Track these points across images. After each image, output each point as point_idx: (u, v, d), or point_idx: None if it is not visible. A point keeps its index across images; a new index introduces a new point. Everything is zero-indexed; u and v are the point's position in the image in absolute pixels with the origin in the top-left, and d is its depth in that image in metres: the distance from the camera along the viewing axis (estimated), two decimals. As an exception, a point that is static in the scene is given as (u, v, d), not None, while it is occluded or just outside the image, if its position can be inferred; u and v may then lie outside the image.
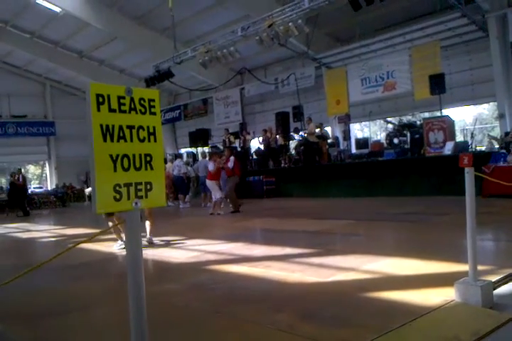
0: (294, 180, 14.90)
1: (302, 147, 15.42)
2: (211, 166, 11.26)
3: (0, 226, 12.83)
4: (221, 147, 19.11)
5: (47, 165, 28.30)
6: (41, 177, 39.11)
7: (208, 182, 11.50)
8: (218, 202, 11.25)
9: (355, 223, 7.87)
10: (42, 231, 10.16)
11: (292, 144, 17.73)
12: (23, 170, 18.21)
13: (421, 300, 3.24)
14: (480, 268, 3.25)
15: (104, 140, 1.60)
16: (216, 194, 11.32)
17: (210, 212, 11.15)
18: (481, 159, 10.04)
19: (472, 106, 17.61)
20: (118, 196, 1.63)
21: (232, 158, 11.28)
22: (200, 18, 17.14)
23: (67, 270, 5.48)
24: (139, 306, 1.66)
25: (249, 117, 21.67)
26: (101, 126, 1.59)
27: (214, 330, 3.11)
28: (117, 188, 1.63)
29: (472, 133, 13.02)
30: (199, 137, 19.73)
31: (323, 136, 16.04)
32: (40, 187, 29.40)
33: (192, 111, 24.37)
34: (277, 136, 16.75)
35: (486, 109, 27.11)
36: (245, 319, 3.23)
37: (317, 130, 15.84)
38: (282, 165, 16.36)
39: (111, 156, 1.62)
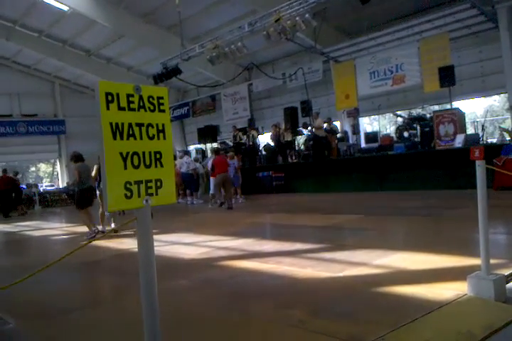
0: (304, 175, 14.88)
1: (311, 142, 15.38)
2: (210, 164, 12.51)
3: (11, 224, 12.98)
4: (230, 143, 19.12)
5: (58, 163, 28.51)
6: (52, 175, 39.49)
7: (211, 179, 12.59)
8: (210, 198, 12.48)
9: (366, 217, 7.85)
10: (54, 229, 10.27)
11: (301, 139, 17.68)
12: (33, 168, 18.11)
13: (433, 294, 3.23)
14: (492, 261, 3.23)
15: (114, 138, 1.61)
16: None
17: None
18: (492, 151, 9.94)
19: (482, 98, 17.45)
20: (129, 193, 1.64)
21: (211, 159, 12.36)
22: (207, 14, 17.09)
23: (80, 267, 5.54)
24: (152, 302, 1.67)
25: (257, 113, 21.63)
26: (110, 124, 1.60)
27: (225, 326, 3.12)
28: (128, 186, 1.64)
29: (483, 126, 12.89)
30: (208, 133, 19.76)
31: (332, 131, 15.98)
32: (52, 186, 29.69)
33: (200, 107, 24.38)
34: (284, 132, 16.70)
35: (496, 101, 26.87)
36: (256, 314, 3.25)
37: (325, 125, 15.79)
38: (290, 160, 16.34)
39: (121, 154, 1.63)
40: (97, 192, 8.51)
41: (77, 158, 8.32)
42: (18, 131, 25.02)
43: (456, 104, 13.81)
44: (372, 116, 19.82)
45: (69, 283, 5.01)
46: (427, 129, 12.59)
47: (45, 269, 2.25)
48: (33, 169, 41.47)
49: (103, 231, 8.27)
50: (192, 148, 24.65)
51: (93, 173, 8.42)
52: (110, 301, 3.98)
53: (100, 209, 8.44)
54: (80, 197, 8.32)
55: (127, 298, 3.81)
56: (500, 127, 15.17)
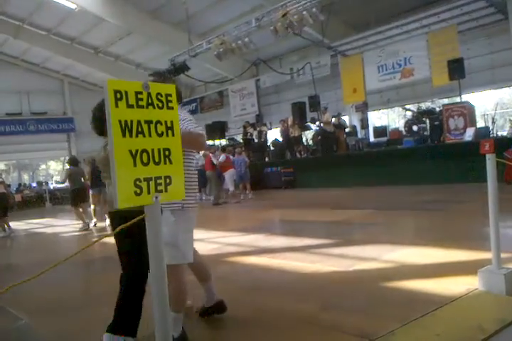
0: (312, 171, 14.84)
1: (319, 137, 15.34)
2: (221, 158, 12.97)
3: (23, 222, 13.12)
4: (238, 139, 19.10)
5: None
6: (62, 173, 39.75)
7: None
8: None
9: (375, 212, 7.82)
10: (65, 226, 10.37)
11: (309, 134, 17.63)
12: (43, 166, 18.18)
13: (443, 289, 3.22)
14: (503, 255, 3.21)
15: (123, 135, 1.62)
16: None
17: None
18: (502, 145, 9.83)
19: (493, 90, 17.22)
20: (138, 190, 1.65)
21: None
22: (214, 9, 17.05)
23: (92, 264, 5.59)
24: (162, 297, 1.68)
25: (265, 108, 21.59)
26: (119, 121, 1.61)
27: (235, 321, 3.14)
28: (137, 183, 1.65)
29: (493, 119, 12.76)
30: (216, 130, 19.76)
31: (341, 125, 15.92)
32: (62, 183, 29.88)
33: (208, 103, 24.39)
34: (292, 127, 16.66)
35: (507, 94, 26.53)
36: (266, 310, 3.26)
37: (333, 119, 15.73)
38: (298, 155, 16.32)
39: (130, 151, 1.63)
40: (90, 192, 10.09)
41: (71, 162, 10.09)
42: (27, 129, 25.18)
43: (465, 97, 13.66)
44: (381, 110, 19.68)
45: (80, 279, 5.07)
46: (437, 123, 12.49)
47: (56, 266, 2.27)
48: (43, 167, 41.81)
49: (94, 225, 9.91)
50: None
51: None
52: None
53: (92, 206, 10.15)
54: (73, 196, 9.94)
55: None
56: (510, 120, 14.99)
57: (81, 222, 9.75)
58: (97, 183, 9.81)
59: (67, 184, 10.29)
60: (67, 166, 10.24)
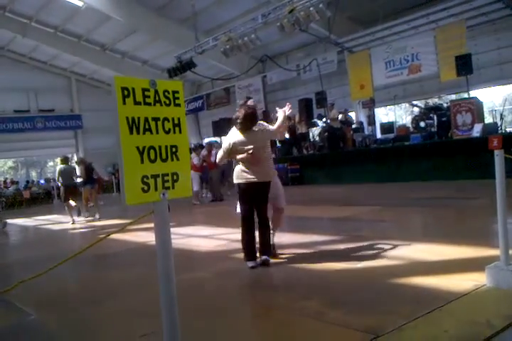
0: (319, 167, 14.82)
1: (326, 133, 15.29)
2: (196, 160, 12.43)
3: (31, 218, 13.21)
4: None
5: (75, 157, 28.82)
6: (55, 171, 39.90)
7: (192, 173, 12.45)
8: (195, 193, 11.97)
9: (382, 209, 7.80)
10: (72, 222, 10.43)
11: (316, 131, 17.59)
12: (51, 163, 18.43)
13: (451, 285, 3.21)
14: (512, 252, 3.20)
15: (131, 132, 1.62)
16: (194, 185, 12.00)
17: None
18: (511, 141, 9.75)
19: (501, 86, 17.09)
20: (146, 187, 1.66)
21: (213, 152, 12.12)
22: (220, 6, 17.03)
23: (100, 260, 5.63)
24: (170, 293, 1.70)
25: (272, 105, 21.54)
26: (127, 118, 1.61)
27: (243, 317, 3.15)
28: (145, 180, 1.66)
29: (501, 115, 12.66)
30: (223, 126, 19.72)
31: (348, 122, 15.86)
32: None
33: (215, 100, 24.38)
34: (299, 124, 16.61)
35: (515, 89, 26.29)
36: (273, 306, 3.27)
37: (340, 116, 15.67)
38: (305, 152, 16.28)
39: (138, 148, 1.64)
40: (84, 187, 11.17)
41: (62, 161, 10.97)
42: (35, 126, 25.33)
43: (473, 93, 13.57)
44: (388, 107, 19.59)
45: (89, 275, 5.10)
46: (444, 119, 12.41)
47: (65, 262, 2.29)
48: (51, 164, 42.06)
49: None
50: (207, 141, 24.74)
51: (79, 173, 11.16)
52: (130, 292, 4.04)
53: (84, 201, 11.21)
54: (64, 192, 10.80)
55: (146, 290, 3.86)
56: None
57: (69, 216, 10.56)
58: (91, 180, 11.15)
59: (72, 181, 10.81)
60: (59, 165, 11.18)
